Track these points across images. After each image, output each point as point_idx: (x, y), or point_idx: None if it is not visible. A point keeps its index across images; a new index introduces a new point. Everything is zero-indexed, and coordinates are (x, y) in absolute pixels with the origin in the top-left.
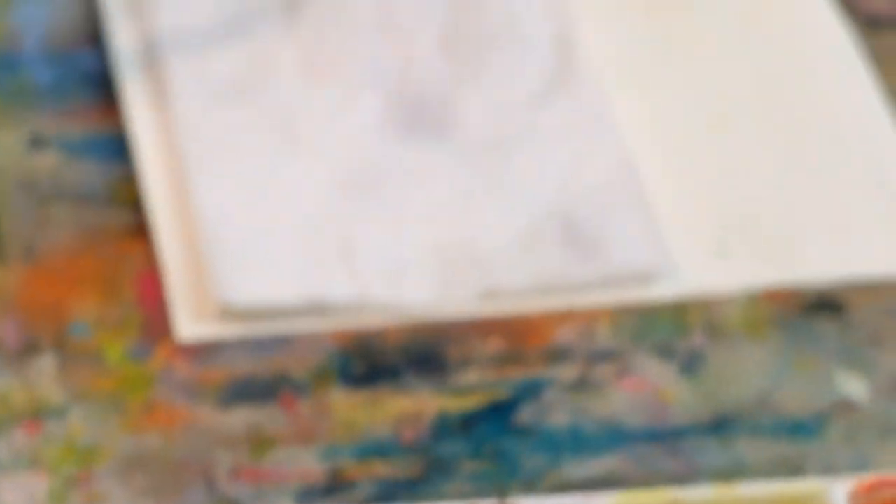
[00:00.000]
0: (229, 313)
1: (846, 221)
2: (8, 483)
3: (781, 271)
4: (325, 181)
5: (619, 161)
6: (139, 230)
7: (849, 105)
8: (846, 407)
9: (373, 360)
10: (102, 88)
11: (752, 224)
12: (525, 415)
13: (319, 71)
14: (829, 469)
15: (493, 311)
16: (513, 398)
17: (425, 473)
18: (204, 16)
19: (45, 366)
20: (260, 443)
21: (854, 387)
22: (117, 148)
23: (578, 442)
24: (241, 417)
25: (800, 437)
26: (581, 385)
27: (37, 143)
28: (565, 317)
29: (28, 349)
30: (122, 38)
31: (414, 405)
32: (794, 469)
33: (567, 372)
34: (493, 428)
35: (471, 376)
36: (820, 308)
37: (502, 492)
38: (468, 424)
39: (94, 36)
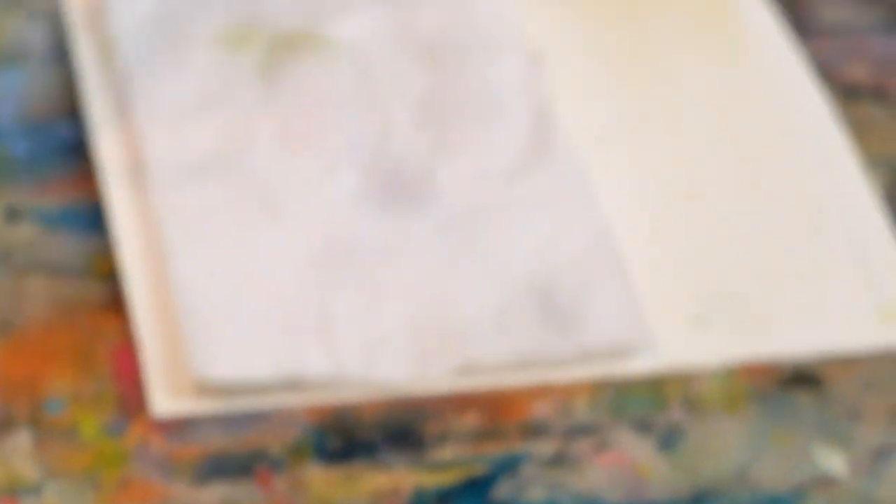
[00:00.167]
0: (205, 388)
1: (823, 294)
2: None
3: (759, 345)
4: (302, 254)
5: (596, 233)
6: (115, 303)
7: (827, 177)
8: (825, 481)
9: (349, 436)
10: (79, 159)
11: (729, 297)
12: (502, 490)
13: (297, 143)
14: None
15: (469, 386)
16: (490, 474)
17: None
18: (181, 87)
19: (21, 442)
20: None
21: (832, 461)
22: (94, 219)
23: None
24: (216, 494)
25: None
26: (559, 460)
27: (13, 215)
28: (543, 391)
29: (3, 425)
30: (98, 109)
31: (391, 481)
32: None
33: (545, 447)
34: None
35: (448, 452)
36: (797, 382)
37: None
38: (445, 500)
39: (70, 107)
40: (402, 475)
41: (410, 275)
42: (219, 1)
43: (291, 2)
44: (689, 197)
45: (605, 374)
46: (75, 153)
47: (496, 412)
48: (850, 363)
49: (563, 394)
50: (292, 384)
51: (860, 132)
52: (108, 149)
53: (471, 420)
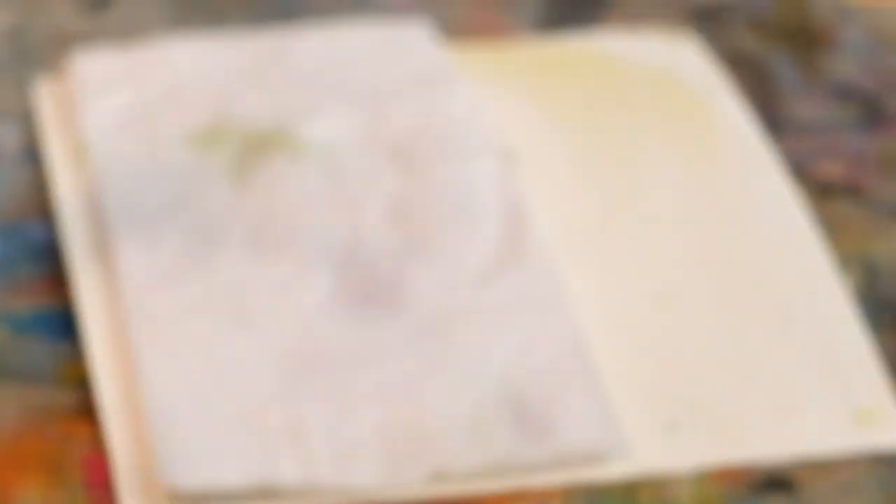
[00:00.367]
0: (177, 497)
1: (797, 398)
2: None
3: (732, 450)
4: (274, 360)
5: (568, 338)
6: (86, 411)
7: (800, 277)
8: None
9: None
10: (51, 261)
11: (701, 401)
12: None
13: (268, 246)
14: None
15: (442, 493)
16: None
17: None
18: (152, 189)
19: None
20: None
21: None
22: (65, 324)
23: None
24: None
25: None
26: None
27: None
28: (515, 497)
29: None
30: (70, 212)
31: None
32: None
33: None
34: None
35: None
36: (771, 487)
37: None
38: None
39: (42, 208)
40: None
41: (382, 381)
42: (190, 102)
43: (263, 102)
44: (661, 299)
45: (578, 480)
46: (47, 255)
47: None
48: (824, 467)
49: (536, 500)
50: (265, 492)
51: (834, 231)
52: (79, 251)
53: None
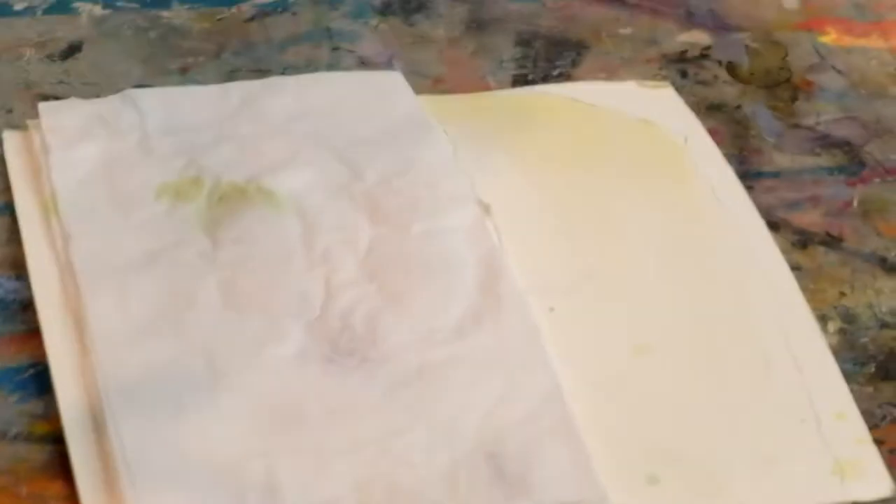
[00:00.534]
0: None
1: (778, 450)
2: None
3: (713, 502)
4: (248, 415)
5: (546, 391)
6: (58, 468)
7: (779, 327)
8: None
9: None
10: (23, 316)
11: (681, 454)
12: None
13: (241, 301)
14: None
15: None
16: None
17: None
18: (123, 244)
19: None
20: None
21: None
22: (37, 381)
23: None
24: None
25: None
26: None
27: None
28: None
29: None
30: (40, 267)
31: None
32: None
33: None
34: None
35: None
36: None
37: None
38: None
39: (14, 263)
40: None
41: (358, 436)
42: (160, 153)
43: (235, 153)
44: (640, 351)
45: None
46: (19, 310)
47: None
48: None
49: None
50: None
51: (813, 280)
52: (50, 308)
53: None
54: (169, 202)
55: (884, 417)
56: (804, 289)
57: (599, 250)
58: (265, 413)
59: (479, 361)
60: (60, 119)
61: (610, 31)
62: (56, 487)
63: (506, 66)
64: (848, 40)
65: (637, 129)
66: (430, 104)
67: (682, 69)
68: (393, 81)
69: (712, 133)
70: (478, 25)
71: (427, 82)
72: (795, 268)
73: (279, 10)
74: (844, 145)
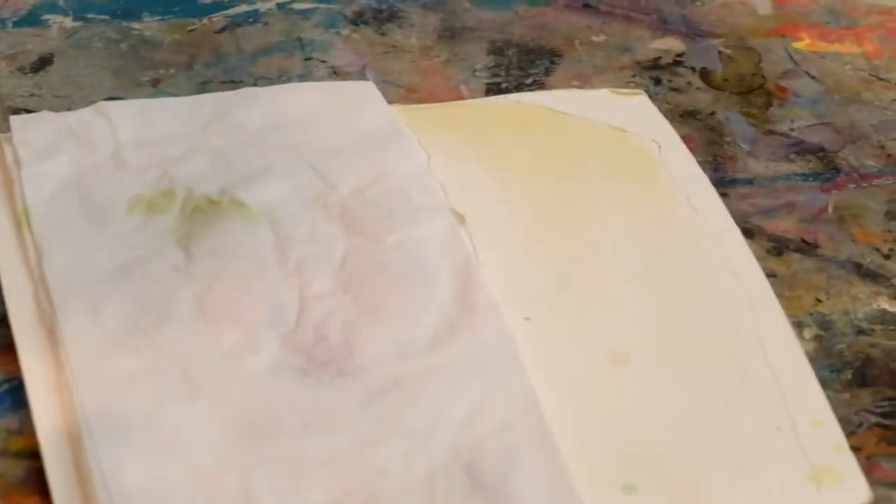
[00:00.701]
0: None
1: (754, 458)
2: None
3: None
4: (223, 428)
5: (522, 401)
6: (34, 482)
7: (755, 335)
8: None
9: None
10: None
11: (658, 462)
12: None
13: (215, 312)
14: None
15: None
16: None
17: None
18: (97, 256)
19: None
20: None
21: None
22: (12, 396)
23: None
24: None
25: None
26: None
27: None
28: None
29: None
30: (13, 282)
31: None
32: None
33: None
34: None
35: None
36: None
37: None
38: None
39: None
40: None
41: (334, 447)
42: (134, 168)
43: (207, 165)
44: (617, 359)
45: None
46: None
47: None
48: None
49: None
50: None
51: (789, 287)
52: (24, 323)
53: None
54: (142, 215)
55: (860, 424)
56: (780, 296)
57: (574, 259)
58: (241, 426)
59: (454, 372)
60: (32, 132)
61: (583, 39)
62: (32, 503)
63: (479, 75)
64: (822, 46)
65: (611, 137)
66: (404, 113)
67: (655, 76)
68: (366, 91)
69: (686, 140)
70: (450, 34)
71: (400, 92)
72: (771, 275)
73: (250, 20)
74: (819, 151)
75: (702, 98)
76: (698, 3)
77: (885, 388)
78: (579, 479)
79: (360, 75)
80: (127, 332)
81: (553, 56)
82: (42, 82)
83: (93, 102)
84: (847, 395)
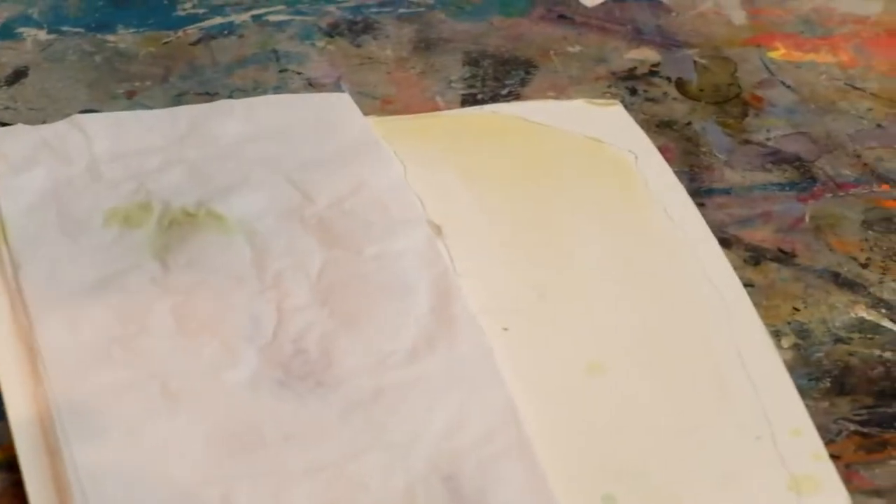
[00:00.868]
0: None
1: (734, 467)
2: None
3: None
4: (203, 441)
5: (502, 412)
6: (12, 494)
7: (733, 344)
8: None
9: None
10: None
11: (638, 472)
12: None
13: (193, 325)
14: None
15: None
16: None
17: None
18: (74, 269)
19: None
20: None
21: None
22: None
23: None
24: None
25: None
26: None
27: None
28: None
29: None
30: None
31: None
32: None
33: None
34: None
35: None
36: None
37: None
38: None
39: None
40: None
41: (314, 459)
42: (110, 180)
43: (184, 179)
44: (595, 371)
45: None
46: None
47: None
48: None
49: None
50: None
51: (766, 296)
52: (1, 336)
53: None
54: (118, 228)
55: (839, 432)
56: (757, 305)
57: (551, 270)
58: (221, 438)
59: (433, 384)
60: (7, 146)
61: (558, 50)
62: None
63: (454, 86)
64: (797, 55)
65: (587, 148)
66: (380, 125)
67: (631, 86)
68: (341, 103)
69: (662, 150)
70: (425, 45)
71: (375, 103)
72: (748, 284)
73: (225, 32)
74: (795, 161)
75: (678, 108)
76: (673, 14)
77: (864, 396)
78: (559, 491)
79: (336, 87)
80: (105, 345)
81: (528, 67)
82: (17, 95)
83: (68, 115)
84: (825, 404)
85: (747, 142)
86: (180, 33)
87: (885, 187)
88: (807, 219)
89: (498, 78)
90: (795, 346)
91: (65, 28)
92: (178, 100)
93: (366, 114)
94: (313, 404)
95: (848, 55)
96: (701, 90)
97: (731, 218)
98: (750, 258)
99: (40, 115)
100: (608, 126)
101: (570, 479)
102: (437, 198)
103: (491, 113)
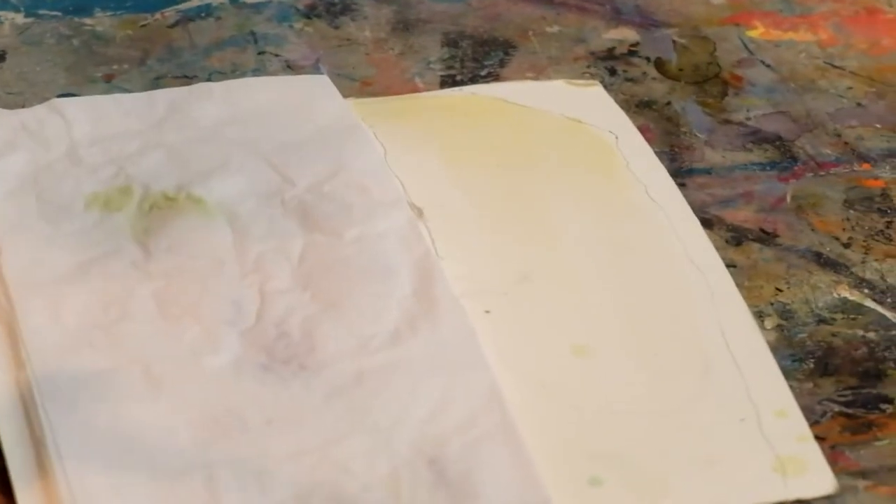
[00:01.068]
0: None
1: (719, 450)
2: None
3: (653, 503)
4: (186, 425)
5: (486, 394)
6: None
7: (716, 326)
8: None
9: None
10: None
11: (623, 455)
12: None
13: (174, 309)
14: None
15: None
16: None
17: None
18: (54, 253)
19: None
20: None
21: None
22: None
23: None
24: None
25: None
26: None
27: None
28: None
29: None
30: None
31: None
32: None
33: None
34: None
35: None
36: None
37: None
38: None
39: None
40: None
41: (298, 444)
42: (90, 165)
43: (164, 163)
44: (579, 353)
45: None
46: None
47: None
48: None
49: None
50: None
51: (749, 277)
52: None
53: None
54: (99, 212)
55: (824, 414)
56: (740, 286)
57: (533, 251)
58: (204, 423)
59: (416, 367)
60: None
61: (537, 30)
62: None
63: (433, 67)
64: (776, 34)
65: (567, 129)
66: (359, 107)
67: (610, 67)
68: (320, 85)
69: (643, 130)
70: (404, 26)
71: (354, 85)
72: (730, 265)
73: (202, 15)
74: (776, 140)
75: (657, 88)
76: None
77: (848, 376)
78: (545, 473)
79: (315, 69)
80: (87, 329)
81: (507, 47)
82: None
83: (46, 99)
84: (810, 385)
85: (727, 121)
86: (158, 16)
87: (865, 166)
88: (788, 199)
89: (477, 59)
90: (779, 327)
91: (42, 11)
92: (157, 83)
93: (345, 95)
94: (296, 388)
95: (827, 33)
96: (680, 70)
97: (712, 198)
98: (732, 238)
99: (19, 100)
100: (588, 107)
101: (557, 462)
102: (418, 180)
103: (470, 94)
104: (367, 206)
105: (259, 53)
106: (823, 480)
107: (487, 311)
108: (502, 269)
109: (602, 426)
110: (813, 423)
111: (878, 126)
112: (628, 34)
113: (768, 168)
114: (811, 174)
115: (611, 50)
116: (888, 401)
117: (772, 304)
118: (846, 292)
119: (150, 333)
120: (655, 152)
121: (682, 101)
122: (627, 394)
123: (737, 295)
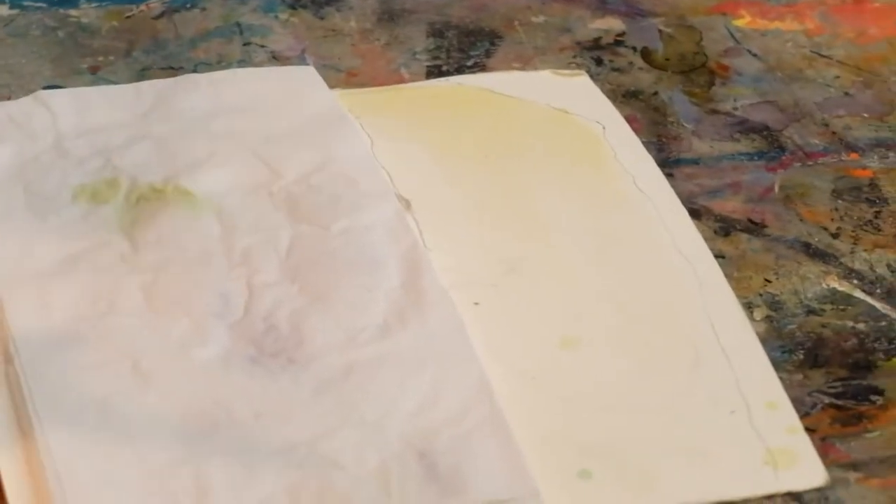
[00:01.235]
0: None
1: (708, 442)
2: None
3: (644, 495)
4: (174, 420)
5: (475, 387)
6: None
7: (705, 317)
8: None
9: None
10: None
11: (612, 447)
12: None
13: (162, 302)
14: None
15: None
16: None
17: None
18: (42, 247)
19: None
20: None
21: None
22: None
23: None
24: None
25: None
26: None
27: None
28: None
29: None
30: None
31: None
32: None
33: None
34: None
35: None
36: None
37: None
38: None
39: None
40: None
41: (287, 438)
42: (77, 157)
43: (151, 154)
44: (568, 344)
45: None
46: None
47: None
48: None
49: None
50: None
51: (737, 267)
52: None
53: None
54: (86, 204)
55: (814, 405)
56: (729, 277)
57: (522, 242)
58: (193, 417)
59: (405, 359)
60: None
61: (522, 20)
62: None
63: (419, 58)
64: (762, 23)
65: (554, 119)
66: (345, 98)
67: (596, 56)
68: (306, 76)
69: (630, 120)
70: (389, 17)
71: (341, 76)
72: (719, 256)
73: (188, 6)
74: (763, 130)
75: (644, 78)
76: None
77: (837, 368)
78: (534, 465)
79: (300, 60)
80: (75, 322)
81: (493, 38)
82: None
83: (32, 91)
84: (800, 376)
85: (714, 111)
86: (143, 7)
87: (853, 156)
88: (776, 189)
89: (462, 49)
90: (768, 319)
91: (27, 3)
92: (142, 74)
93: (331, 86)
94: (284, 382)
95: (814, 22)
96: (667, 59)
97: (700, 188)
98: (720, 229)
99: (4, 92)
100: (575, 97)
101: (546, 454)
102: (405, 171)
103: (457, 85)
104: (354, 197)
105: (245, 44)
106: (814, 473)
107: (476, 303)
108: (490, 261)
109: (591, 418)
110: (803, 415)
111: (865, 115)
112: (614, 24)
113: (756, 158)
114: (799, 164)
115: (597, 40)
116: (878, 392)
117: (761, 294)
118: (835, 283)
119: (138, 327)
120: (643, 142)
121: (669, 90)
122: (616, 386)
123: (726, 286)
